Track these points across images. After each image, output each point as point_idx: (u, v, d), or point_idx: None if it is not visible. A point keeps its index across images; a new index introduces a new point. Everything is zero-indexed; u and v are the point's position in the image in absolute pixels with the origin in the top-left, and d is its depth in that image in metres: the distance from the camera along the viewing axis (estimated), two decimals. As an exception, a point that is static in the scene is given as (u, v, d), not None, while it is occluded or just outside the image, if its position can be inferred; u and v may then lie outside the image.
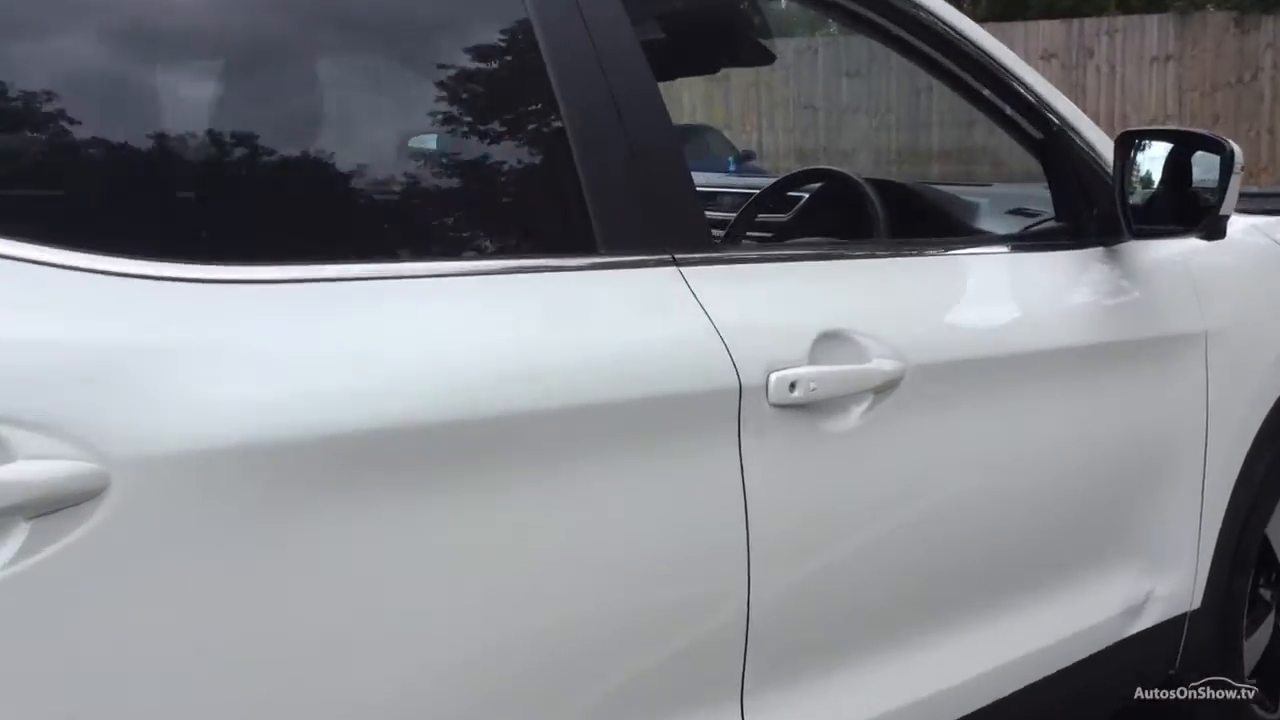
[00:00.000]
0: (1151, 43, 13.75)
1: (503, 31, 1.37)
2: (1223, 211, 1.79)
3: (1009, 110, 1.86)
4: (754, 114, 15.18)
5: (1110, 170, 1.84)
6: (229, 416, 0.99)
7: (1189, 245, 1.94)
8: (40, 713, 0.91)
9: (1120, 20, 14.06)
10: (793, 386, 1.35)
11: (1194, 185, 1.89)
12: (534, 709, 1.20)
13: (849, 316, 1.46)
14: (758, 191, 2.40)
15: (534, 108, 1.36)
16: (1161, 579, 1.93)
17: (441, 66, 1.33)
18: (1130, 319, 1.86)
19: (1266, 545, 2.18)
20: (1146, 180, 1.93)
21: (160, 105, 1.19)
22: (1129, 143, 1.83)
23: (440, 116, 1.35)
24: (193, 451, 0.97)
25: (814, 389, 1.37)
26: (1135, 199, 1.82)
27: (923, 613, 1.59)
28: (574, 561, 1.22)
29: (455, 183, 1.37)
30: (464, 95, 1.36)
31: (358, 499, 1.06)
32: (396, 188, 1.30)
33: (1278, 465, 2.10)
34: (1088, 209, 1.86)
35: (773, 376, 1.34)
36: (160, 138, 1.16)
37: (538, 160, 1.40)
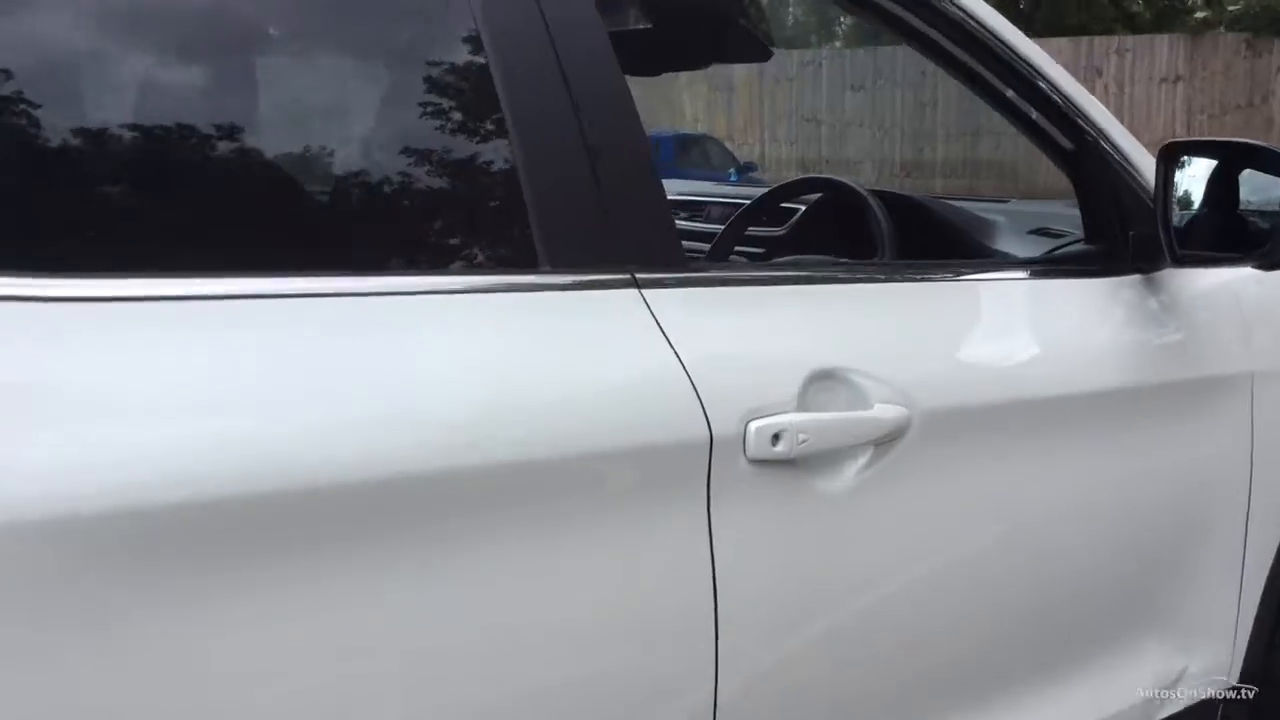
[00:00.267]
0: (1161, 63, 13.59)
1: (436, 18, 1.13)
2: None
3: (1035, 115, 1.63)
4: (757, 126, 14.99)
5: (1149, 187, 1.61)
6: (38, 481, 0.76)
7: (1237, 274, 1.70)
8: None
9: (1130, 40, 13.90)
10: (776, 438, 1.11)
11: (1242, 206, 1.67)
12: None
13: (847, 352, 1.22)
14: (748, 202, 2.16)
15: (468, 98, 1.12)
16: (1196, 655, 1.70)
17: (356, 49, 1.09)
18: (1170, 358, 1.62)
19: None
20: (1184, 200, 1.71)
21: None
22: (1174, 156, 1.59)
23: (351, 104, 1.11)
24: None
25: (803, 441, 1.13)
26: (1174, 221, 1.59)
27: (923, 702, 1.34)
28: (494, 650, 0.98)
29: (355, 179, 1.12)
30: (387, 83, 1.12)
31: (202, 590, 0.82)
32: (273, 185, 1.05)
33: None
34: (1123, 231, 1.63)
35: (752, 426, 1.10)
36: None
37: (465, 156, 1.14)
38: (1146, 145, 1.66)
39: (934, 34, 1.49)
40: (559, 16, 1.09)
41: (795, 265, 1.80)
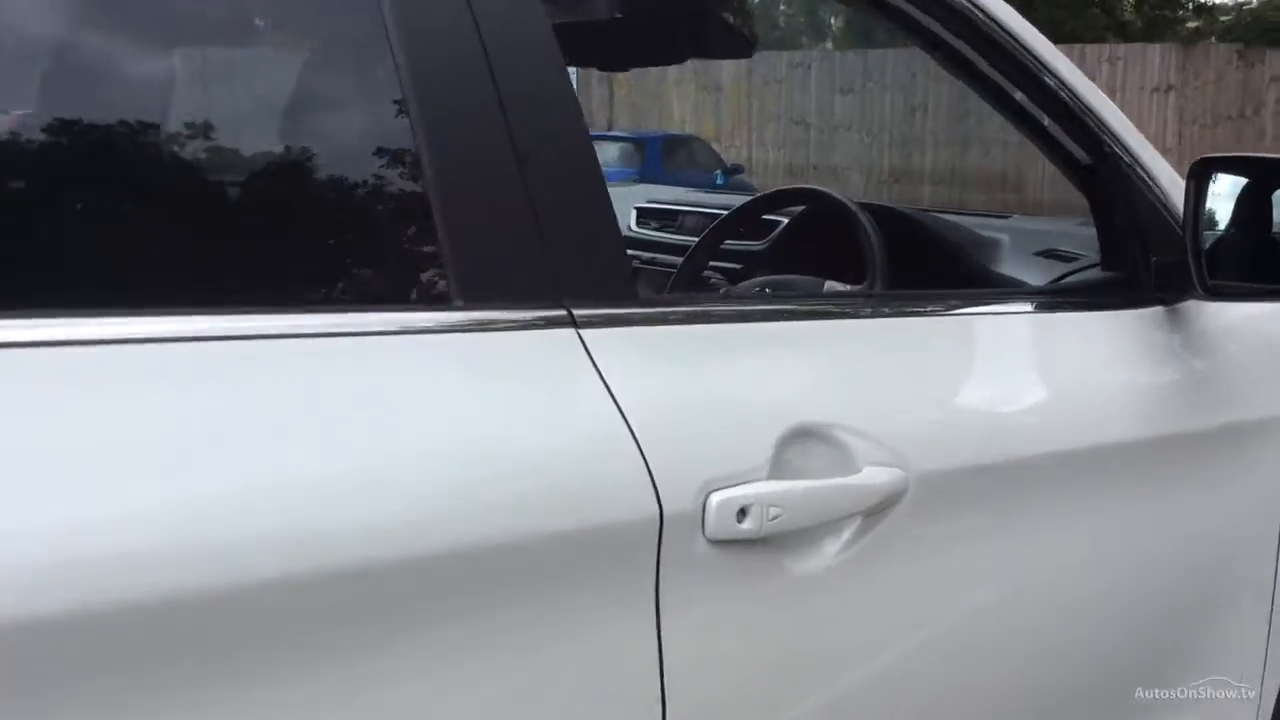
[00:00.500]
0: (1153, 73, 13.46)
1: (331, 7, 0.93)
2: None
3: (1047, 123, 1.43)
4: (745, 128, 14.80)
5: (1173, 208, 1.41)
6: None
7: (1270, 307, 1.51)
8: None
9: (1122, 49, 13.76)
10: (743, 514, 0.91)
11: (1276, 229, 1.48)
12: None
13: (830, 404, 1.02)
14: (724, 213, 1.95)
15: (362, 86, 0.91)
16: None
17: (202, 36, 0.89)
18: (1198, 403, 1.43)
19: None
20: (1207, 220, 1.52)
21: None
22: (1206, 173, 1.40)
23: (200, 103, 0.89)
24: None
25: (775, 517, 0.92)
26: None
27: None
28: None
29: (219, 197, 0.88)
30: (250, 75, 0.91)
31: None
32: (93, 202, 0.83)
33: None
34: (1144, 256, 1.43)
35: (714, 499, 0.90)
36: None
37: (361, 168, 0.90)
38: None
39: (935, 26, 1.29)
40: (489, 22, 0.88)
41: (768, 299, 1.59)
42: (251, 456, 0.72)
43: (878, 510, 1.01)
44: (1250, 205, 1.48)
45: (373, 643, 0.75)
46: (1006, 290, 1.58)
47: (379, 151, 0.88)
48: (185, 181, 0.84)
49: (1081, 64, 13.58)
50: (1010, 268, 1.67)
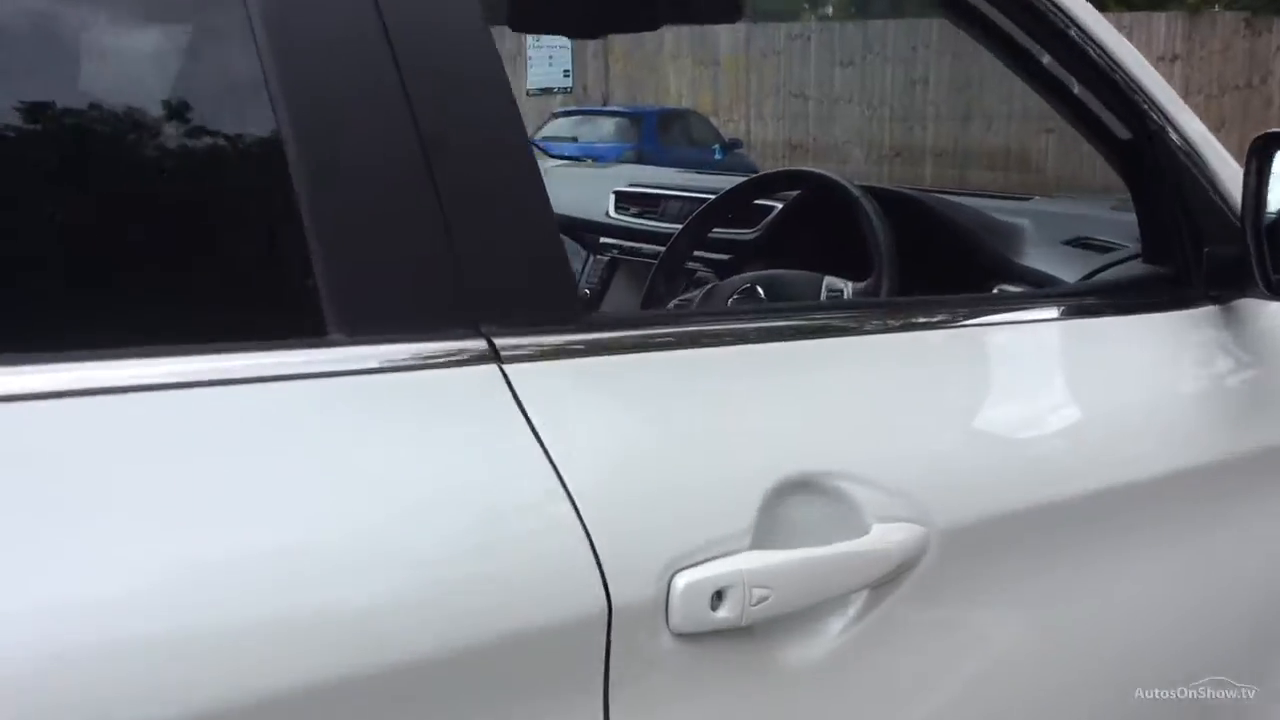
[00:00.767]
0: (1159, 42, 13.21)
1: None
2: None
3: (1079, 91, 1.22)
4: (743, 102, 14.53)
5: (1225, 192, 1.21)
6: None
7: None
8: None
9: (1127, 17, 13.48)
10: (719, 597, 0.71)
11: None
12: None
13: (830, 447, 0.81)
14: (711, 198, 1.74)
15: (208, 64, 0.70)
16: None
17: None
18: (1261, 418, 1.22)
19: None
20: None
21: None
22: (1270, 150, 1.19)
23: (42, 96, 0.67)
24: None
25: (763, 599, 0.72)
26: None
27: None
28: None
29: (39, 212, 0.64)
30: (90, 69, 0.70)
31: None
32: None
33: None
34: (1195, 247, 1.23)
35: (679, 581, 0.70)
36: None
37: (204, 161, 0.68)
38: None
39: None
40: None
41: (746, 315, 1.37)
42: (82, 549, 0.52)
43: (891, 579, 0.81)
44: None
45: None
46: (1035, 292, 1.37)
47: (227, 139, 0.67)
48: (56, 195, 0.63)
49: (1086, 33, 13.36)
50: (1036, 259, 1.46)
